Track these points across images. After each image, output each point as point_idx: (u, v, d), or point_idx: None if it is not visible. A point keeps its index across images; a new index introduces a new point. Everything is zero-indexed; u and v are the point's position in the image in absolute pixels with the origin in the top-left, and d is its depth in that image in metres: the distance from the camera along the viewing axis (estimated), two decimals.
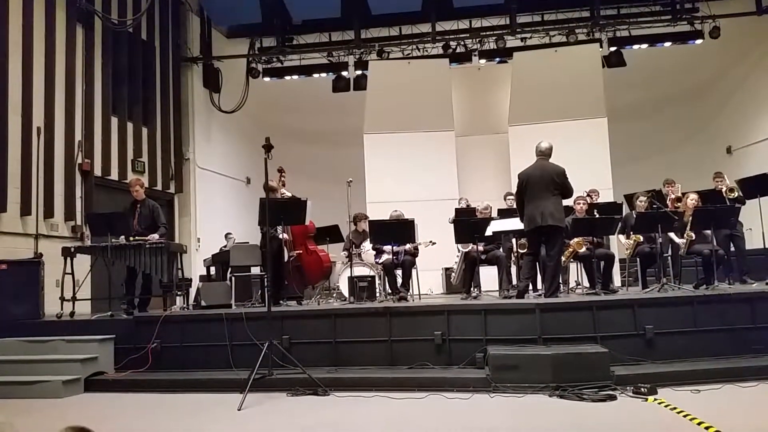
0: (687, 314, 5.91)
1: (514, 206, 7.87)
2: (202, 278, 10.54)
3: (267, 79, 13.91)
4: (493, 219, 7.71)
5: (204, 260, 10.74)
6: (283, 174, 8.01)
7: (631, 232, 7.61)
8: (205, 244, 11.92)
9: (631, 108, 13.56)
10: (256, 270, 8.65)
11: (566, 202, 8.31)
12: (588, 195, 8.61)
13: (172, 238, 11.54)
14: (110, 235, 7.08)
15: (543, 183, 6.57)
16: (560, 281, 6.94)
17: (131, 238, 7.16)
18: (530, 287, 7.05)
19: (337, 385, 5.57)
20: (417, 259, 8.00)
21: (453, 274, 9.27)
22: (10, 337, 6.59)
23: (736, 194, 7.88)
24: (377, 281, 7.99)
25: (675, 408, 4.48)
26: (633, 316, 5.88)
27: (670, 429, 4.08)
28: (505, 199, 9.35)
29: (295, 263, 7.96)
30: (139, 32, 11.39)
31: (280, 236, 7.55)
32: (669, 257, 7.76)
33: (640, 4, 12.84)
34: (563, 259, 7.77)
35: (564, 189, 6.65)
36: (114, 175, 10.39)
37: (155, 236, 7.23)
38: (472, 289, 7.57)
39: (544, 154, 6.81)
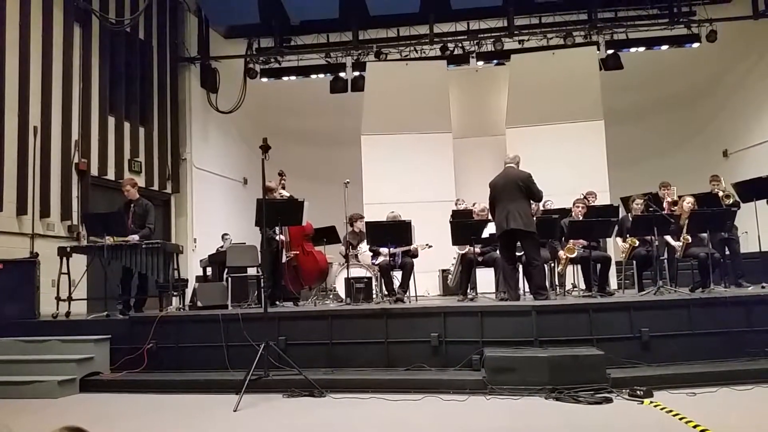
0: (683, 317, 5.93)
1: None
2: (198, 279, 10.53)
3: (264, 79, 13.91)
4: (489, 221, 7.71)
5: (200, 261, 10.74)
6: (283, 177, 8.02)
7: (628, 235, 7.63)
8: (201, 245, 11.90)
9: (627, 111, 13.59)
10: (252, 271, 8.64)
11: (565, 205, 8.40)
12: (585, 198, 8.62)
13: (169, 238, 11.52)
14: (106, 235, 7.07)
15: (508, 189, 6.76)
16: (545, 284, 6.94)
17: (112, 239, 7.10)
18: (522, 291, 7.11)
19: (334, 386, 5.57)
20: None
21: (450, 276, 9.27)
22: (6, 337, 6.57)
23: (732, 200, 7.90)
24: (374, 283, 7.98)
25: (671, 411, 4.49)
26: (629, 319, 5.90)
27: None
28: None
29: (292, 264, 7.95)
30: (136, 32, 11.37)
31: (277, 238, 7.54)
32: (665, 260, 7.79)
33: (637, 7, 12.85)
34: (560, 267, 7.81)
35: (530, 193, 6.77)
36: (111, 175, 10.36)
37: (135, 237, 7.17)
38: (468, 291, 7.57)
39: (511, 162, 7.03)
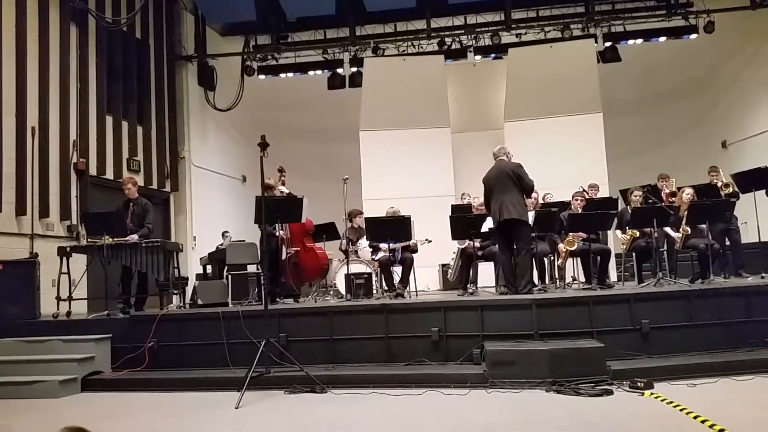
0: (683, 308, 5.94)
1: None
2: (198, 277, 10.53)
3: (262, 76, 13.89)
4: (488, 215, 7.70)
5: (200, 259, 10.74)
6: (283, 173, 8.02)
7: (628, 227, 7.63)
8: (201, 243, 11.90)
9: (626, 103, 13.58)
10: (252, 268, 8.64)
11: (564, 198, 8.39)
12: (584, 191, 8.61)
13: (168, 236, 11.53)
14: (105, 235, 7.07)
15: (500, 180, 6.82)
16: (532, 276, 6.92)
17: (110, 239, 7.10)
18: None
19: (335, 382, 5.58)
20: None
21: (450, 270, 9.28)
22: (7, 338, 6.58)
23: (731, 190, 7.90)
24: (374, 278, 7.98)
25: (671, 402, 4.50)
26: (629, 311, 5.90)
27: (666, 423, 4.09)
28: None
29: (292, 261, 7.96)
30: (133, 31, 11.36)
31: (277, 233, 7.54)
32: (665, 252, 7.79)
33: None
34: (560, 260, 7.81)
35: (521, 182, 6.77)
36: (109, 174, 10.37)
37: (134, 237, 7.18)
38: (468, 285, 7.57)
39: (499, 155, 7.10)
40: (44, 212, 8.92)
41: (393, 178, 11.45)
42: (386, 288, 7.71)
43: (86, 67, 10.03)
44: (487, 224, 7.39)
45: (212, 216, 12.53)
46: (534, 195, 7.95)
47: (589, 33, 12.72)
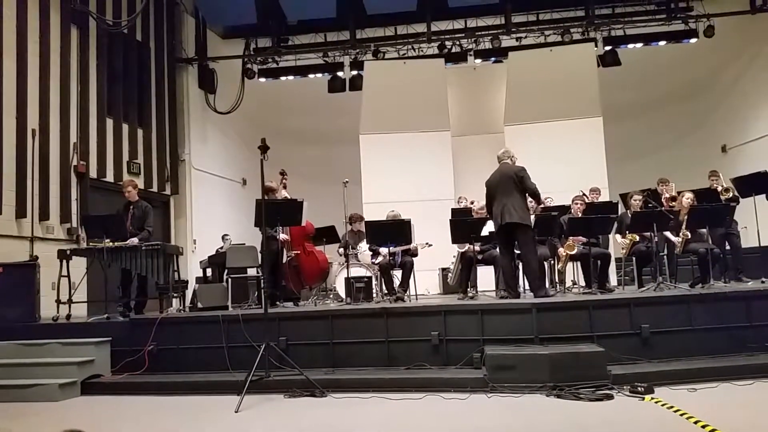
0: (683, 313, 5.93)
1: None
2: (198, 280, 10.53)
3: (262, 79, 13.91)
4: (488, 219, 7.70)
5: (200, 262, 10.73)
6: (285, 177, 8.03)
7: (627, 232, 7.63)
8: (201, 246, 11.90)
9: (626, 107, 13.60)
10: (252, 271, 8.64)
11: (564, 202, 8.39)
12: (584, 195, 8.61)
13: (168, 239, 11.53)
14: (105, 238, 7.06)
15: (503, 184, 6.79)
16: (543, 279, 6.90)
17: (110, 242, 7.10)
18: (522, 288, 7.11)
19: (335, 386, 5.57)
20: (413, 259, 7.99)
21: (450, 274, 9.27)
22: (6, 341, 6.56)
23: (731, 194, 7.91)
24: (374, 282, 7.98)
25: (672, 407, 4.50)
26: (629, 316, 5.90)
27: (667, 428, 4.09)
28: None
29: (292, 264, 7.95)
30: (133, 33, 11.37)
31: (279, 236, 7.54)
32: (665, 256, 7.79)
33: (634, 3, 12.87)
34: (560, 264, 7.81)
35: (524, 186, 6.73)
36: (109, 177, 10.37)
37: (134, 240, 7.19)
38: (468, 289, 7.57)
39: (502, 159, 7.06)
40: (44, 215, 8.92)
41: (393, 181, 11.44)
42: (386, 292, 7.71)
43: (87, 70, 10.04)
44: (488, 228, 7.39)
45: (212, 219, 12.53)
46: None
47: (589, 37, 12.76)
